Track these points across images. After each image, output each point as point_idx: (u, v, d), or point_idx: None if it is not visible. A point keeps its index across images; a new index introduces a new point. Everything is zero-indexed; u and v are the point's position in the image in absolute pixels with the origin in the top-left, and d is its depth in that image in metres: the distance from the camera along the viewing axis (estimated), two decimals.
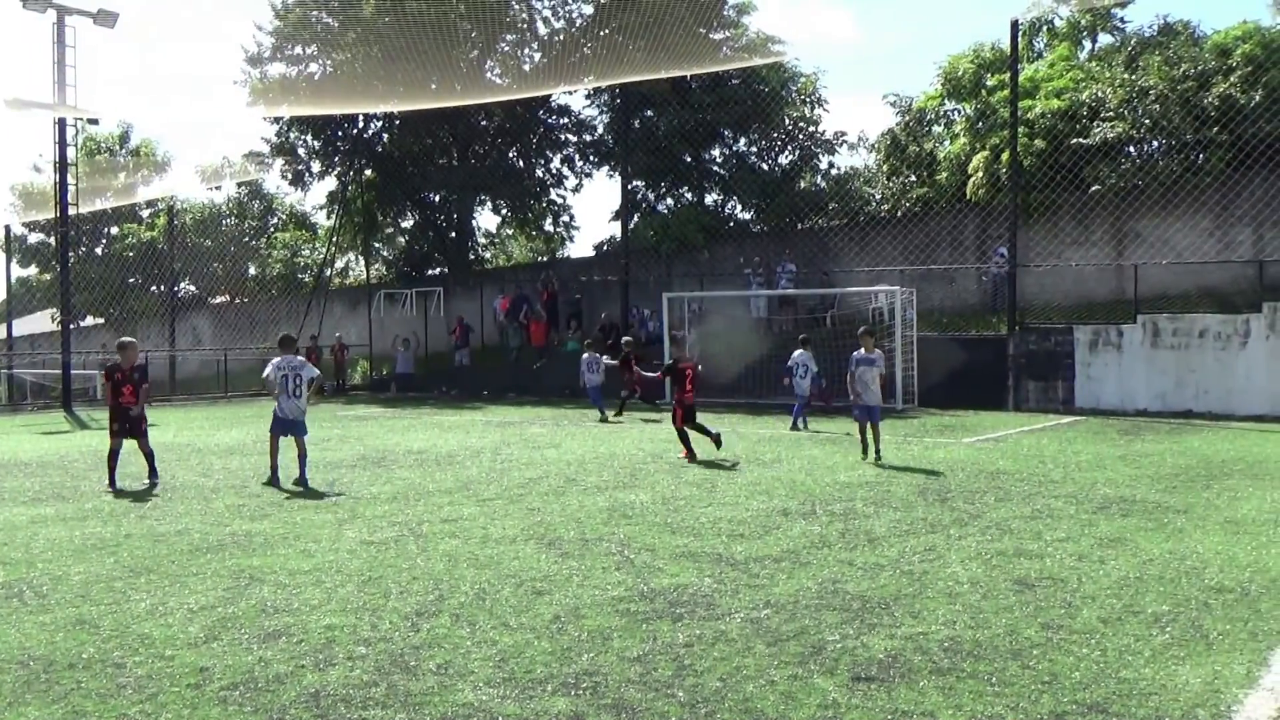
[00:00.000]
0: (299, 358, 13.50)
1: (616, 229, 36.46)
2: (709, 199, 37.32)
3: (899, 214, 31.54)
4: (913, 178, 32.45)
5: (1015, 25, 24.29)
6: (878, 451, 14.41)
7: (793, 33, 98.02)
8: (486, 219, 48.31)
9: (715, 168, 37.27)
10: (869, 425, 14.50)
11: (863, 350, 14.70)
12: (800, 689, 5.32)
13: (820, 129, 36.13)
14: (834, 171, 36.75)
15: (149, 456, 13.33)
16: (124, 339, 13.89)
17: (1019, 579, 7.53)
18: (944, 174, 30.49)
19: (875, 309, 26.84)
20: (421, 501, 11.40)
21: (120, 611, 6.94)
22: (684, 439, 15.22)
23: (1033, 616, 6.56)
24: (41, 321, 48.74)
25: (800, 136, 36.21)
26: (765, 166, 36.56)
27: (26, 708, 5.16)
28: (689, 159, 36.25)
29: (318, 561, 8.34)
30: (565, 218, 43.98)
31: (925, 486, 11.98)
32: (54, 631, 6.49)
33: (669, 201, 37.85)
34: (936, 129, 33.80)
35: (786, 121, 35.76)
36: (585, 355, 24.08)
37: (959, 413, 22.19)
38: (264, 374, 13.57)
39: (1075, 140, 26.23)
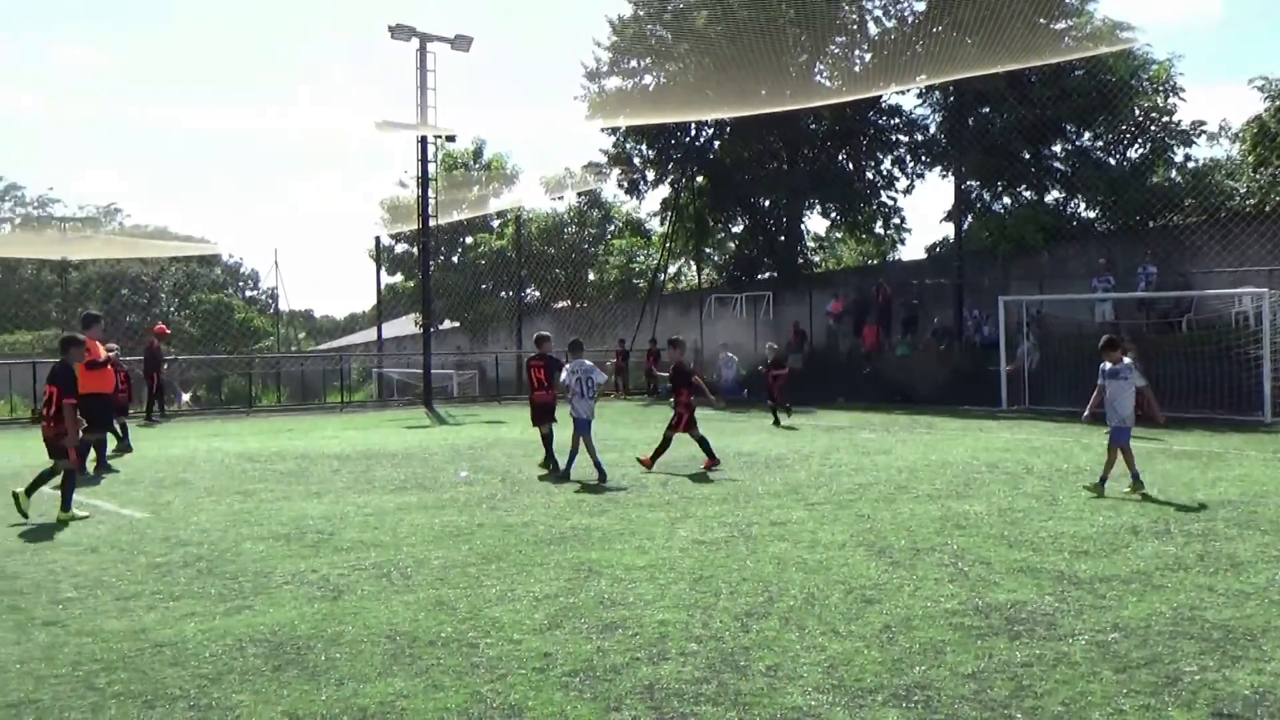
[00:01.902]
0: (588, 362, 14.49)
1: (949, 230, 35.48)
2: (1049, 197, 35.49)
3: (1267, 209, 28.74)
4: None
5: None
6: (1135, 476, 12.01)
7: (1144, 17, 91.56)
8: (815, 222, 48.30)
9: (1056, 164, 35.40)
10: (1119, 448, 12.22)
11: (1108, 364, 12.53)
12: None
13: (1175, 119, 33.48)
14: (1191, 164, 33.99)
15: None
16: (541, 333, 15.58)
17: None
18: None
19: (1239, 313, 24.63)
20: (751, 503, 11.53)
21: (474, 596, 7.45)
22: (705, 447, 14.90)
23: None
24: (406, 325, 53.07)
25: (1152, 128, 33.71)
26: (1112, 161, 34.34)
27: (394, 679, 5.65)
28: (1027, 156, 34.59)
29: (652, 558, 8.62)
30: (896, 220, 43.22)
31: None
32: (417, 610, 7.06)
33: (1005, 201, 36.31)
34: None
35: (1136, 112, 33.37)
36: (722, 355, 25.42)
37: None
38: (560, 378, 14.44)
39: None
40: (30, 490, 11.25)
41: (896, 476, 13.68)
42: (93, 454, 15.00)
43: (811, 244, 47.68)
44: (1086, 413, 12.88)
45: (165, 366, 27.51)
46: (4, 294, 55.08)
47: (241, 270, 75.67)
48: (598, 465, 13.80)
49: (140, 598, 7.50)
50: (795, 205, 41.26)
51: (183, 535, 9.97)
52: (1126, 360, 12.63)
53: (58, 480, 11.30)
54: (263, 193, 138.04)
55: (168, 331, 29.81)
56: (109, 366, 15.26)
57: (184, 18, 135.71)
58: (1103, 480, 12.08)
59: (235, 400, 35.88)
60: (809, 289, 37.31)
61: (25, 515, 11.04)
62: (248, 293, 73.40)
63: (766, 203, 42.28)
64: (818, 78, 36.85)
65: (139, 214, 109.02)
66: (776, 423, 22.71)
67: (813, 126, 39.53)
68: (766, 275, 42.31)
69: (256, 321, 61.28)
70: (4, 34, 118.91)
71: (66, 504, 11.14)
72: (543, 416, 14.93)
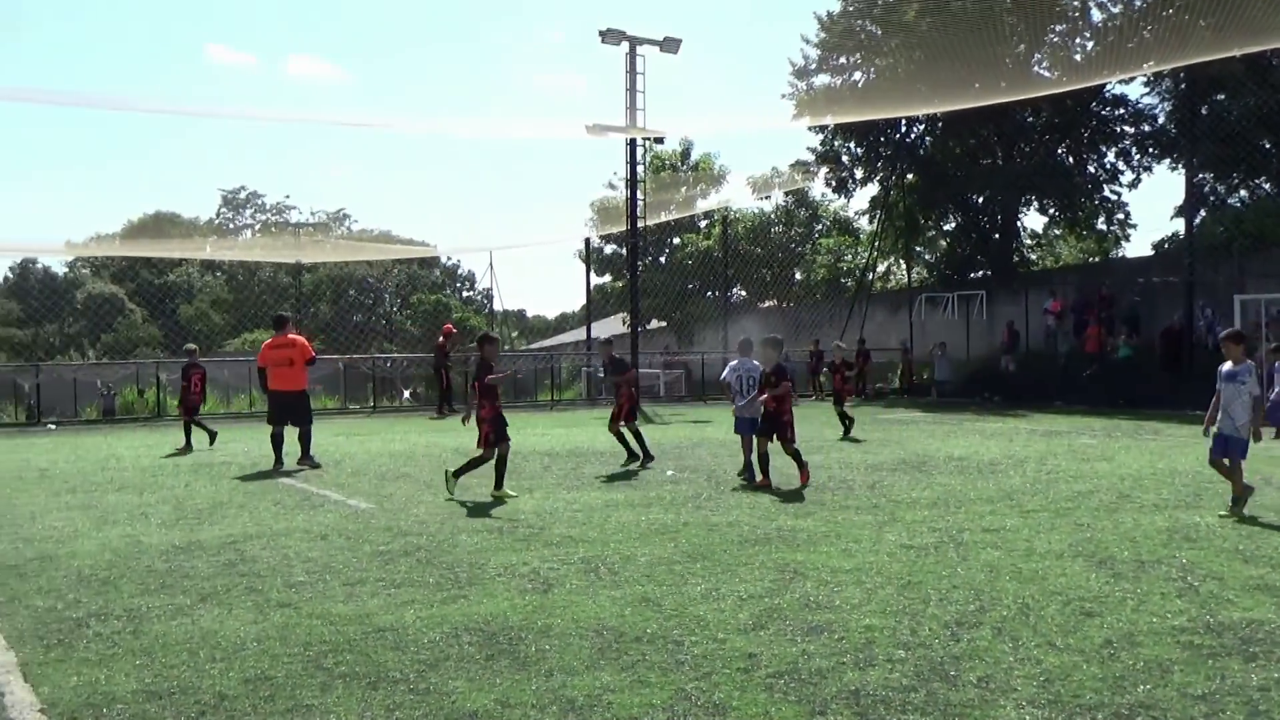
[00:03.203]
0: (754, 361, 14.11)
1: (1179, 226, 33.64)
2: None
3: None
4: None
5: None
6: (1235, 498, 10.69)
7: None
8: (1032, 219, 46.40)
9: None
10: (1229, 462, 10.75)
11: (1229, 363, 10.87)
12: None
13: None
14: None
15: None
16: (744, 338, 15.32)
17: None
18: None
19: None
20: (962, 509, 11.21)
21: (679, 593, 7.52)
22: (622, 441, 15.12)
23: None
24: (614, 325, 53.96)
25: None
26: None
27: (601, 672, 5.75)
28: (1267, 145, 32.40)
29: (858, 562, 8.49)
30: (1119, 215, 41.18)
31: None
32: (623, 606, 7.17)
33: (1242, 193, 34.13)
34: None
35: None
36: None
37: None
38: (722, 376, 14.35)
39: None
40: (500, 482, 12.35)
41: (1119, 485, 13.04)
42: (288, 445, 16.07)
43: (1028, 241, 45.96)
44: (1205, 426, 11.11)
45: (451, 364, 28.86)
46: (244, 295, 58.94)
47: (459, 271, 78.52)
48: (746, 465, 13.76)
49: (365, 584, 7.90)
50: (1011, 201, 39.87)
51: (403, 526, 10.45)
52: (1250, 361, 11.00)
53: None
54: (478, 195, 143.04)
55: (454, 330, 31.19)
56: (304, 364, 16.27)
57: (408, 26, 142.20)
58: (1235, 499, 10.69)
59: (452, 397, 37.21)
60: (1024, 288, 36.00)
61: (451, 492, 12.46)
62: (464, 293, 76.06)
63: (980, 199, 41.01)
64: (1036, 68, 35.47)
65: (365, 218, 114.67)
66: (847, 434, 20.12)
67: (1029, 119, 38.08)
68: (980, 274, 41.07)
69: (472, 321, 63.50)
70: (249, 49, 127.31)
71: (499, 482, 12.30)
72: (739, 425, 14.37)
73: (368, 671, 5.80)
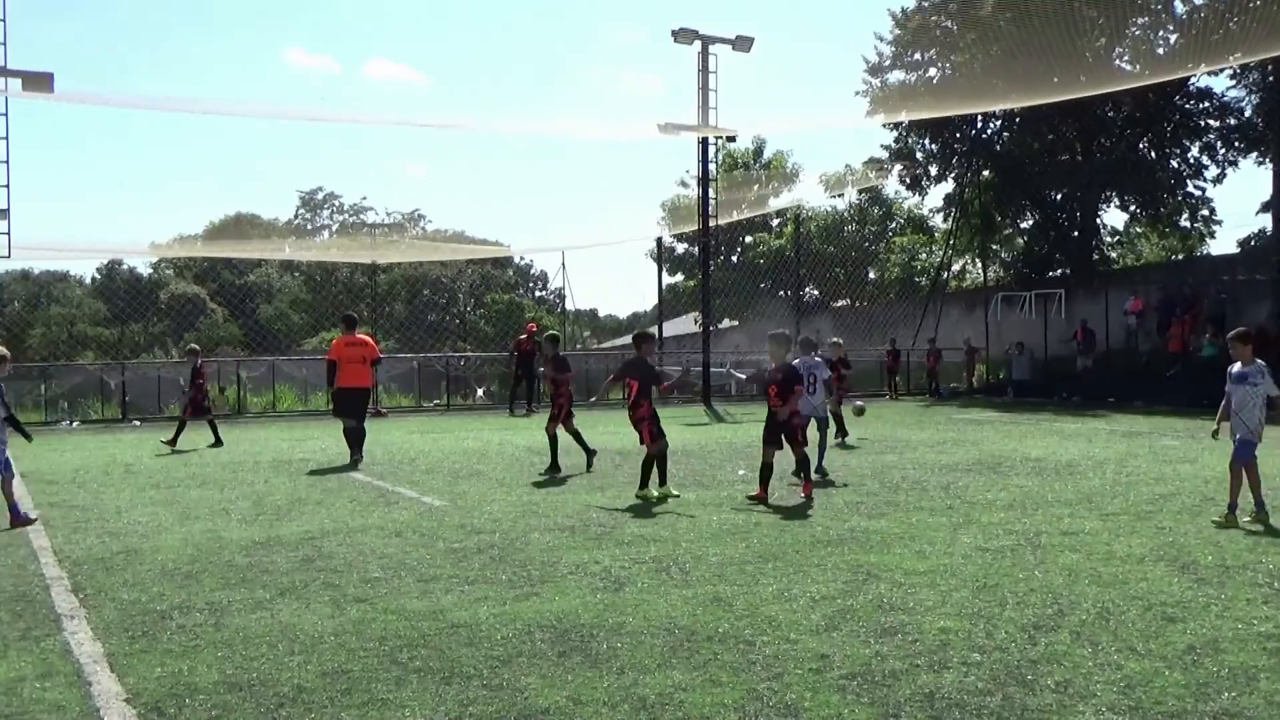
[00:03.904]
0: (818, 359, 14.07)
1: (1266, 222, 32.72)
2: None
3: None
4: None
5: None
6: (1258, 503, 10.18)
7: None
8: (1113, 216, 45.50)
9: None
10: (1244, 468, 10.19)
11: (1238, 364, 10.40)
12: None
13: None
14: None
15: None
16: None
17: None
18: None
19: None
20: (1039, 511, 11.03)
21: (750, 593, 7.49)
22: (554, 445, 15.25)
23: None
24: (685, 324, 53.93)
25: None
26: None
27: (673, 671, 5.76)
28: None
29: (932, 564, 8.39)
30: (1204, 212, 40.21)
31: None
32: (695, 605, 7.17)
33: None
34: None
35: None
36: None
37: None
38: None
39: None
40: (645, 482, 12.25)
41: (1203, 488, 12.73)
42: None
43: (1108, 239, 45.07)
44: (1215, 428, 10.64)
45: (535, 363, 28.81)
46: (322, 295, 59.86)
47: (531, 271, 79.01)
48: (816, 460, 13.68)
49: (439, 580, 7.99)
50: (1090, 198, 39.15)
51: (477, 523, 10.54)
52: (1260, 361, 10.44)
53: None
54: (552, 196, 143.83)
55: (538, 329, 31.49)
56: (372, 364, 16.76)
57: (484, 28, 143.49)
58: (1231, 507, 10.23)
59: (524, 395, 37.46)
60: (1105, 286, 35.31)
61: (656, 499, 12.08)
62: (537, 293, 76.51)
63: (1058, 196, 40.33)
64: (1117, 61, 34.77)
65: (439, 219, 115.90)
66: (843, 436, 18.52)
67: (1110, 114, 37.35)
68: (1058, 272, 40.37)
69: (545, 320, 63.85)
70: (330, 55, 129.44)
71: (663, 479, 12.32)
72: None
73: (442, 667, 5.87)
